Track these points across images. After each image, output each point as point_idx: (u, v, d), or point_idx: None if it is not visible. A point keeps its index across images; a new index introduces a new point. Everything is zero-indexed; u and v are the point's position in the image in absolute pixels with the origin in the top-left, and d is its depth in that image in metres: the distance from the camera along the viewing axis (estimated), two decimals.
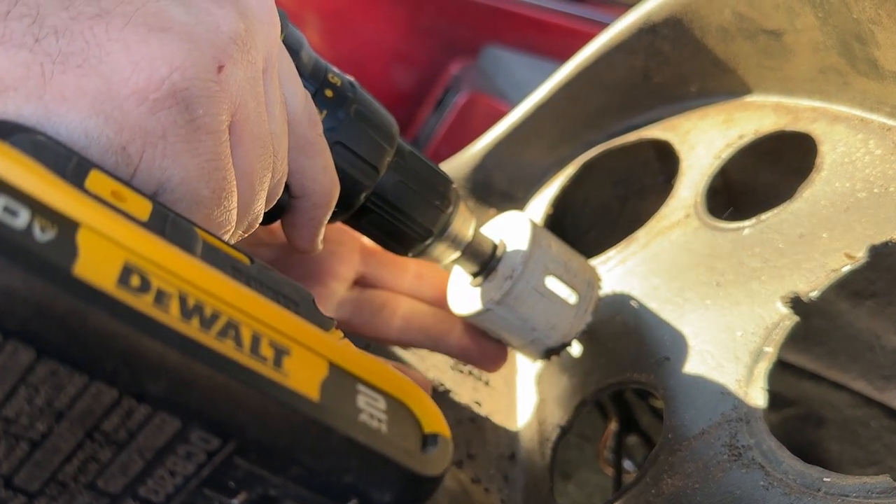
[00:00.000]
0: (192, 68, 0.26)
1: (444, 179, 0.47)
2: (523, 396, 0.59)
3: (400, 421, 0.24)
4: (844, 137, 0.50)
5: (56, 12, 0.24)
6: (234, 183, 0.29)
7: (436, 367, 0.59)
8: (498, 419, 0.57)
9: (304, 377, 0.22)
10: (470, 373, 0.61)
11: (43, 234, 0.19)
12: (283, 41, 0.36)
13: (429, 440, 0.24)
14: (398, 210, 0.44)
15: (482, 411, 0.57)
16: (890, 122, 0.48)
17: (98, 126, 0.25)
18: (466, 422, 0.56)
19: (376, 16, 1.70)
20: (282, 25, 0.36)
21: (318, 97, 0.39)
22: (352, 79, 0.42)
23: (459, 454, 0.53)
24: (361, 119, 0.41)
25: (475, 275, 0.51)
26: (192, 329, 0.20)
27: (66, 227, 0.20)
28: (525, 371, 0.61)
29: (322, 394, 0.22)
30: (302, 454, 0.21)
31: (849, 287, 0.63)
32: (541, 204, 0.71)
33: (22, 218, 0.19)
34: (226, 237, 0.30)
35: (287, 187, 0.37)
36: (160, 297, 0.20)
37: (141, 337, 0.19)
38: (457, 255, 0.49)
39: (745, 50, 0.58)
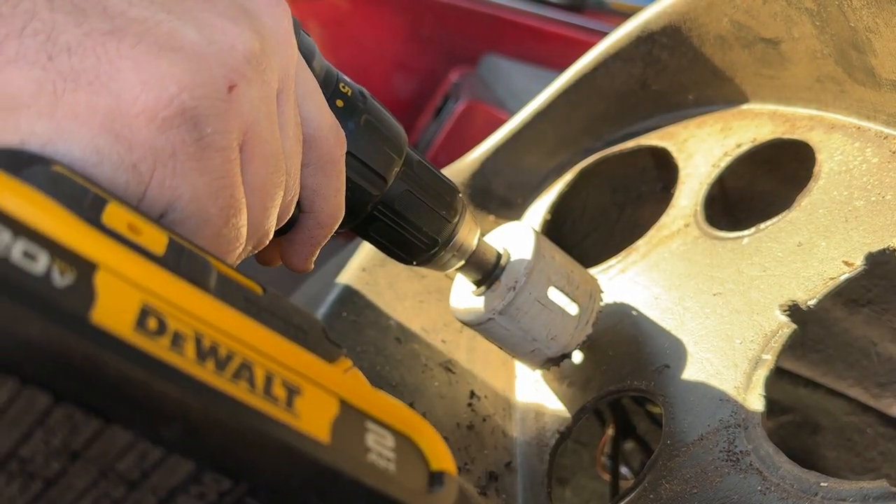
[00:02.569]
0: (202, 87, 0.26)
1: (452, 189, 0.47)
2: (522, 403, 0.59)
3: (407, 459, 0.24)
4: (841, 146, 0.51)
5: (70, 28, 0.24)
6: (244, 201, 0.29)
7: (433, 369, 0.60)
8: (496, 425, 0.57)
9: (315, 418, 0.22)
10: (468, 380, 0.61)
11: (62, 278, 0.19)
12: None
13: (435, 478, 0.24)
14: (405, 219, 0.44)
15: (480, 417, 0.58)
16: (887, 130, 0.49)
17: (108, 144, 0.25)
18: (465, 428, 0.56)
19: (377, 24, 1.70)
20: (294, 34, 0.36)
21: (328, 107, 0.40)
22: (363, 89, 0.43)
23: (458, 460, 0.53)
24: (371, 129, 0.41)
25: (478, 283, 0.51)
26: (207, 373, 0.20)
27: (85, 269, 0.20)
28: (524, 378, 0.61)
29: (332, 435, 0.22)
30: (311, 495, 0.22)
31: (845, 295, 0.64)
32: (539, 210, 0.71)
33: (41, 263, 0.19)
34: (236, 253, 0.31)
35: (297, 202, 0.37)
36: (176, 340, 0.20)
37: (157, 383, 0.19)
38: (461, 263, 0.49)
39: (743, 58, 0.59)
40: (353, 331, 0.59)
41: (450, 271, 0.50)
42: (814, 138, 0.53)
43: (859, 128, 0.51)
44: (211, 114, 0.27)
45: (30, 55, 0.24)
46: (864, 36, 0.46)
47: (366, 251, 0.65)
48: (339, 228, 0.44)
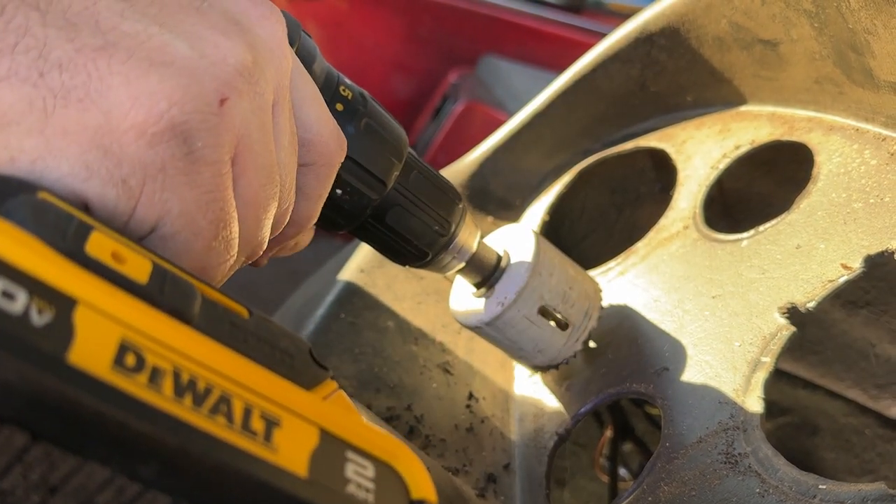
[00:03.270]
0: (192, 102, 0.26)
1: (452, 192, 0.47)
2: (520, 404, 0.59)
3: (388, 488, 0.24)
4: (840, 148, 0.51)
5: (62, 44, 0.24)
6: (235, 213, 0.30)
7: (432, 370, 0.59)
8: (495, 427, 0.57)
9: (293, 451, 0.22)
10: (467, 382, 0.61)
11: (40, 317, 0.19)
12: (296, 53, 0.36)
13: None
14: (405, 222, 0.44)
15: (479, 418, 0.57)
16: (885, 132, 0.49)
17: (98, 159, 0.25)
18: (463, 429, 0.56)
19: (376, 25, 1.70)
20: (294, 36, 0.36)
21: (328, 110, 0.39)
22: (364, 91, 0.42)
23: (456, 461, 0.53)
24: (371, 133, 0.41)
25: (478, 286, 0.51)
26: (184, 410, 0.20)
27: (64, 305, 0.20)
28: (523, 379, 0.61)
29: (311, 468, 0.22)
30: None
31: (844, 296, 0.64)
32: (538, 211, 0.71)
33: (20, 302, 0.19)
34: (227, 265, 0.31)
35: None
36: (154, 376, 0.20)
37: (133, 421, 0.19)
38: (461, 265, 0.49)
39: (741, 60, 0.59)
40: (352, 332, 0.59)
41: (450, 273, 0.50)
42: (812, 140, 0.53)
43: (858, 129, 0.51)
44: (202, 128, 0.27)
45: (21, 72, 0.24)
46: (862, 38, 0.46)
47: (364, 253, 0.65)
48: (338, 230, 0.44)
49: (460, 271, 0.50)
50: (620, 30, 0.66)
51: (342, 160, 0.37)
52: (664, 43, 0.63)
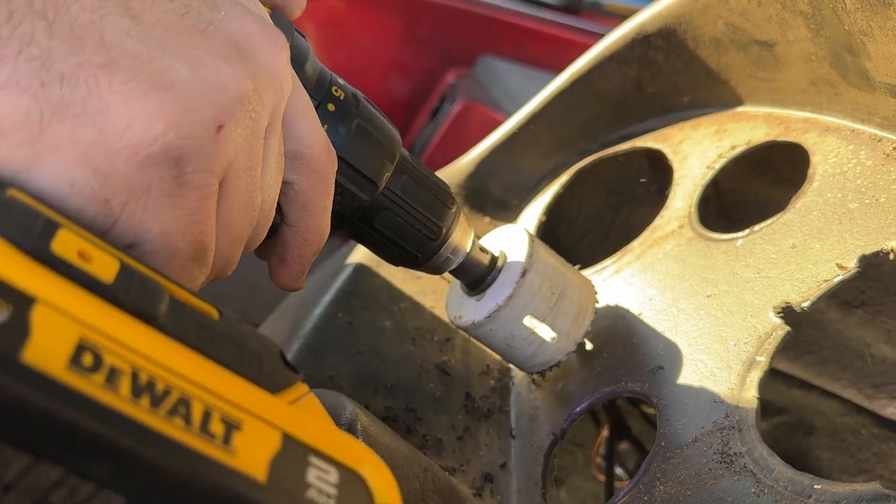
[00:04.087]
0: (189, 127, 0.26)
1: (445, 192, 0.47)
2: (517, 403, 0.59)
3: (351, 494, 0.24)
4: (836, 148, 0.51)
5: (65, 57, 0.24)
6: (213, 237, 0.29)
7: (429, 370, 0.60)
8: (491, 426, 0.57)
9: (252, 455, 0.22)
10: (464, 382, 0.61)
11: None
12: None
13: None
14: (397, 223, 0.44)
15: (475, 418, 0.58)
16: (880, 132, 0.49)
17: (84, 177, 0.25)
18: (460, 429, 0.56)
19: (373, 26, 1.70)
20: (287, 35, 0.36)
21: (320, 110, 0.39)
22: (356, 91, 0.42)
23: (453, 461, 0.53)
24: (363, 134, 0.40)
25: (472, 287, 0.51)
26: (140, 410, 0.20)
27: (21, 304, 0.20)
28: (519, 379, 0.61)
29: (270, 473, 0.22)
30: None
31: (839, 296, 0.64)
32: (535, 212, 0.71)
33: None
34: (198, 283, 0.31)
35: (282, 213, 0.37)
36: (111, 376, 0.20)
37: (86, 421, 0.19)
38: (455, 266, 0.49)
39: (738, 61, 0.59)
40: (349, 332, 0.59)
41: (444, 274, 0.50)
42: (808, 141, 0.53)
43: (853, 130, 0.51)
44: (195, 153, 0.27)
45: (23, 81, 0.24)
46: (858, 39, 0.46)
47: (361, 253, 0.65)
48: (332, 231, 0.44)
49: (454, 272, 0.50)
50: (617, 31, 0.66)
51: (334, 172, 0.37)
52: (661, 44, 0.63)
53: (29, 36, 0.24)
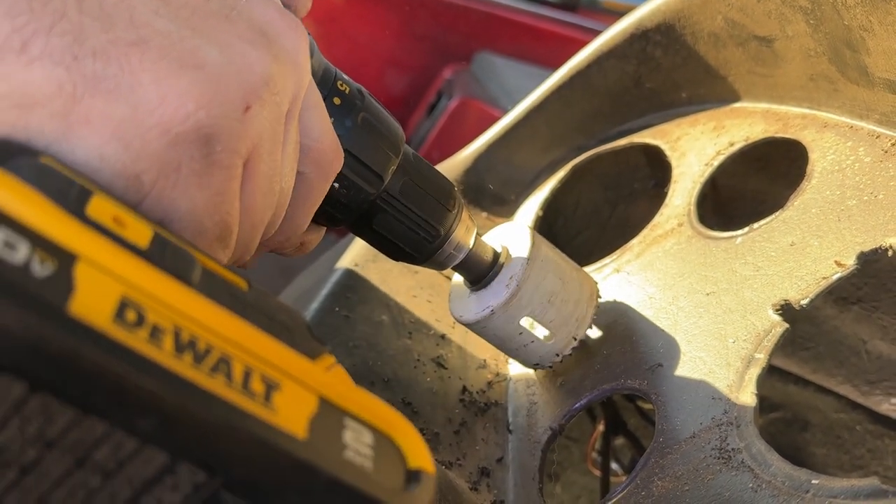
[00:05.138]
0: (219, 107, 0.27)
1: (449, 187, 0.47)
2: (514, 398, 0.59)
3: (385, 456, 0.24)
4: (834, 145, 0.51)
5: (96, 34, 0.24)
6: (238, 219, 0.30)
7: (426, 364, 0.59)
8: (488, 421, 0.57)
9: (292, 414, 0.22)
10: (461, 376, 0.61)
11: (41, 268, 0.19)
12: None
13: (412, 476, 0.24)
14: (401, 218, 0.44)
15: (472, 412, 0.58)
16: (879, 129, 0.49)
17: (115, 152, 0.25)
18: (457, 423, 0.56)
19: (371, 21, 1.70)
20: (310, 56, 0.36)
21: (326, 104, 0.39)
22: (361, 87, 0.43)
23: (450, 455, 0.53)
24: (368, 128, 0.41)
25: (475, 282, 0.51)
26: (184, 366, 0.20)
27: (65, 260, 0.20)
28: (517, 374, 0.61)
29: (310, 431, 0.22)
30: (288, 491, 0.22)
31: (836, 293, 0.64)
32: (532, 207, 0.71)
33: (21, 252, 0.19)
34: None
35: None
36: (155, 333, 0.20)
37: (133, 374, 0.19)
38: (458, 261, 0.49)
39: (737, 56, 0.59)
40: (346, 326, 0.59)
41: (446, 270, 0.50)
42: (806, 137, 0.53)
43: (852, 127, 0.51)
44: (224, 133, 0.27)
45: (56, 54, 0.24)
46: (857, 34, 0.46)
47: (358, 247, 0.65)
48: (335, 225, 0.44)
49: (457, 267, 0.50)
50: (616, 26, 0.66)
51: (338, 169, 0.37)
52: (659, 39, 0.63)
53: (60, 12, 0.24)
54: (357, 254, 0.64)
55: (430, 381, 0.59)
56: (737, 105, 0.62)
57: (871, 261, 0.43)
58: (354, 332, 0.59)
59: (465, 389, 0.59)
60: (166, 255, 0.24)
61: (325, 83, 0.40)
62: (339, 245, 0.71)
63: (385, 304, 0.62)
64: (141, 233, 0.24)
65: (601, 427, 0.65)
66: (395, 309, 0.62)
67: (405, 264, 0.65)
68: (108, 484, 0.21)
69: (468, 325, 0.52)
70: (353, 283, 0.62)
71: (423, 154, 1.58)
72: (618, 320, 0.54)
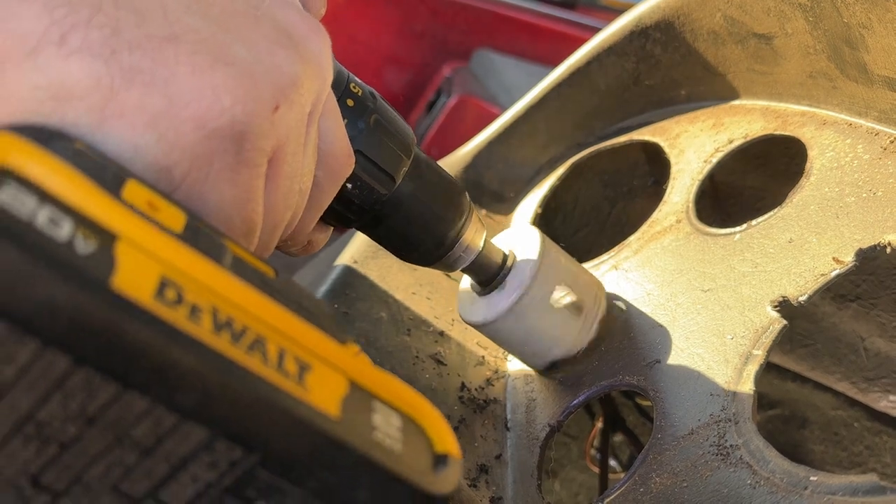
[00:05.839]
0: (253, 104, 0.27)
1: (459, 189, 0.47)
2: (513, 395, 0.59)
3: (413, 440, 0.25)
4: (833, 142, 0.51)
5: (132, 28, 0.25)
6: (262, 217, 0.30)
7: (424, 361, 0.59)
8: (486, 418, 0.57)
9: (325, 394, 0.23)
10: (459, 373, 0.61)
11: (85, 245, 0.20)
12: None
13: (440, 460, 0.25)
14: (413, 218, 0.45)
15: (471, 409, 0.58)
16: (878, 126, 0.49)
17: (148, 144, 0.25)
18: (455, 420, 0.56)
19: (370, 18, 1.70)
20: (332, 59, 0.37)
21: (339, 106, 0.40)
22: (373, 89, 0.43)
23: None
24: (380, 129, 0.41)
25: (484, 284, 0.51)
26: (223, 343, 0.21)
27: (106, 239, 0.20)
28: (515, 371, 0.61)
29: (342, 411, 0.23)
30: (320, 469, 0.22)
31: (834, 290, 0.64)
32: (531, 204, 0.71)
33: (65, 229, 0.20)
34: None
35: None
36: (194, 311, 0.21)
37: (174, 350, 0.20)
38: (467, 264, 0.49)
39: (736, 54, 0.59)
40: (345, 322, 0.59)
41: (457, 271, 0.50)
42: (805, 134, 0.53)
43: (851, 124, 0.51)
44: (255, 131, 0.27)
45: (94, 47, 0.24)
46: (857, 32, 0.46)
47: (358, 243, 0.65)
48: (347, 226, 0.44)
49: (467, 269, 0.50)
50: (615, 23, 0.66)
51: (347, 174, 0.37)
52: (659, 36, 0.63)
53: (97, 5, 0.24)
54: (356, 250, 0.64)
55: (428, 377, 0.59)
56: (736, 102, 0.62)
57: (870, 258, 0.43)
58: (353, 328, 0.59)
59: (463, 386, 0.59)
60: (199, 239, 0.24)
61: (339, 85, 0.40)
62: (338, 242, 0.71)
63: (384, 301, 0.62)
64: (175, 217, 0.24)
65: (599, 424, 0.65)
66: (393, 306, 0.62)
67: (404, 262, 0.65)
68: (145, 461, 0.21)
69: (477, 327, 0.52)
70: (352, 279, 0.62)
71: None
72: (616, 317, 0.54)
